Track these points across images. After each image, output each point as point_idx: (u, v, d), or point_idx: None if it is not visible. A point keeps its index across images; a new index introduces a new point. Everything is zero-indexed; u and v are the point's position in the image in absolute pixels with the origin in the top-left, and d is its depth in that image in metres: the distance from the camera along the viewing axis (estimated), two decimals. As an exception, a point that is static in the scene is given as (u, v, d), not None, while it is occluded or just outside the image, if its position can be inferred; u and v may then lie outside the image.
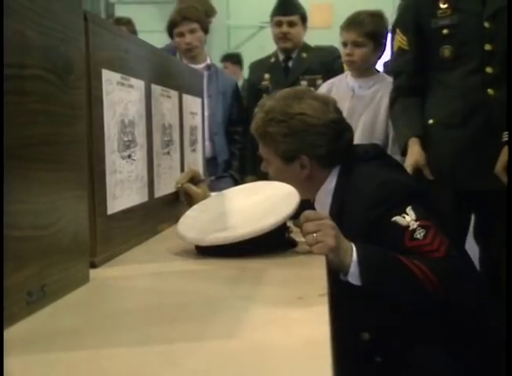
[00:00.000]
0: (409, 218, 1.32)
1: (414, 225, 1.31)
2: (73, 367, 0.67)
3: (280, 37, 3.04)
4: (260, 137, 1.54)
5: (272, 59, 3.14)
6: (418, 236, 1.30)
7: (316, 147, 1.48)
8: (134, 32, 3.44)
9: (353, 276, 1.25)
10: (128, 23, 3.48)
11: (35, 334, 0.77)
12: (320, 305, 0.88)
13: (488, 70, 1.98)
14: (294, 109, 1.48)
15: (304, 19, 3.07)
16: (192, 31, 2.95)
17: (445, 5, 2.04)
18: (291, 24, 3.02)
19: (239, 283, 1.06)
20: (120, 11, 4.70)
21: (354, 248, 1.25)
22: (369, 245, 1.29)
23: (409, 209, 1.33)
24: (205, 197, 1.59)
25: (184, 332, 0.79)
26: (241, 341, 0.74)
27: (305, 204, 1.40)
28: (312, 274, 1.10)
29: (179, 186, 1.65)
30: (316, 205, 1.54)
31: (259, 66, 3.20)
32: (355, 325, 1.36)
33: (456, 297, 1.27)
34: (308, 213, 1.26)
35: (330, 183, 1.50)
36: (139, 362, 0.68)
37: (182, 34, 2.95)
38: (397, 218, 1.32)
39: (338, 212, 1.42)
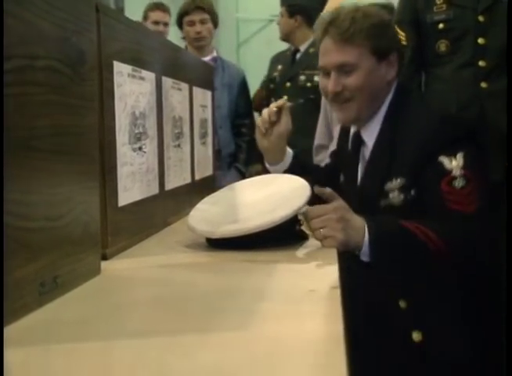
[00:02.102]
0: (455, 163, 1.28)
1: (457, 172, 1.27)
2: (85, 358, 0.67)
3: None
4: (349, 39, 1.40)
5: (288, 52, 3.15)
6: (456, 185, 1.26)
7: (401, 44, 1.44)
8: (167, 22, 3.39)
9: (364, 256, 1.19)
10: (167, 10, 3.41)
11: (47, 325, 0.77)
12: (333, 297, 0.88)
13: (481, 63, 1.98)
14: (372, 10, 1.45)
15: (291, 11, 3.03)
16: (203, 22, 2.97)
17: (441, 0, 2.04)
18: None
19: (250, 275, 1.06)
20: (130, 3, 4.69)
21: (366, 228, 1.19)
22: (381, 221, 1.24)
23: (459, 154, 1.28)
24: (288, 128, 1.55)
25: (195, 324, 0.79)
26: (253, 333, 0.74)
27: (315, 198, 1.38)
28: (323, 267, 1.10)
29: (281, 103, 1.58)
30: (363, 133, 1.46)
31: (277, 58, 3.22)
32: (392, 292, 1.35)
33: (468, 268, 1.26)
34: (311, 210, 1.19)
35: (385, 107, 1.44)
36: (150, 353, 0.68)
37: (192, 23, 2.96)
38: (443, 160, 1.28)
39: (390, 140, 1.38)
